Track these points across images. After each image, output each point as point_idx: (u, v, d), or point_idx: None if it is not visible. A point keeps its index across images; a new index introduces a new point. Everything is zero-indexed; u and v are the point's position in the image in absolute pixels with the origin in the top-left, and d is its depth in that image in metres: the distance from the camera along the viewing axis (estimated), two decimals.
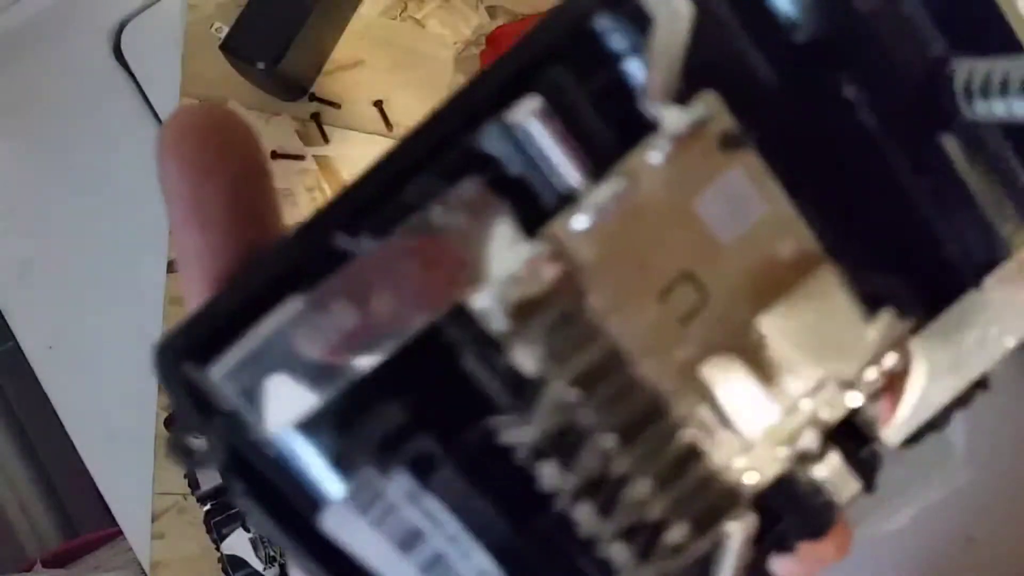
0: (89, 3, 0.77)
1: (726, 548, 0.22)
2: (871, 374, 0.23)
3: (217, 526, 0.72)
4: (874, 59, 0.22)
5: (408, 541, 0.21)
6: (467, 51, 0.76)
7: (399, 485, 0.21)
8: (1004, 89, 0.21)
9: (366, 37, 0.76)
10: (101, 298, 0.76)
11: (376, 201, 0.21)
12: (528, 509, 0.21)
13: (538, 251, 0.20)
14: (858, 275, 0.22)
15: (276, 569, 0.73)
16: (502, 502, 0.21)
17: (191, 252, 0.22)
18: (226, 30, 0.73)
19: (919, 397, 0.24)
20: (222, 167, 0.22)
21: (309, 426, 0.20)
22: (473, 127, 0.21)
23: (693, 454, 0.22)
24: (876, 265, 0.23)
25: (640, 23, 0.21)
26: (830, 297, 0.22)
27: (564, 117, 0.21)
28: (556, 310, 0.21)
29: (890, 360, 0.23)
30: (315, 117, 0.76)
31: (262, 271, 0.21)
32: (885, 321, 0.23)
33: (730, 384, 0.22)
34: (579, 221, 0.21)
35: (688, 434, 0.22)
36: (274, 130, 0.75)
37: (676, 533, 0.22)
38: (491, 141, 0.21)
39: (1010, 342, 0.24)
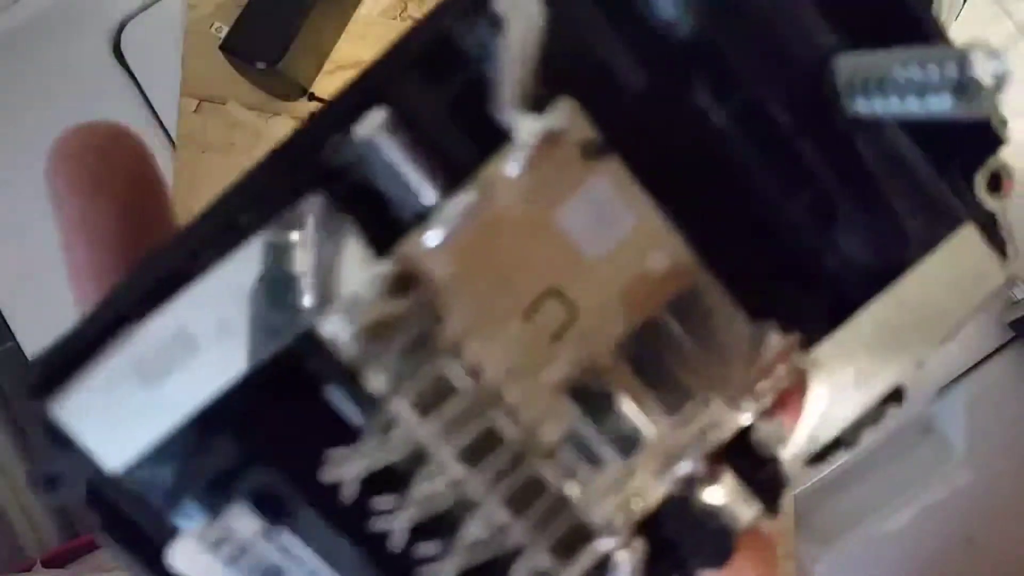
0: (89, 3, 0.77)
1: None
2: (761, 390, 0.21)
3: None
4: (755, 59, 0.21)
5: None
6: None
7: (245, 521, 0.20)
8: (882, 85, 0.20)
9: (366, 37, 0.75)
10: None
11: (221, 226, 0.20)
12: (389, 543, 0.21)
13: (388, 270, 0.19)
14: (741, 289, 0.21)
15: None
16: (361, 536, 0.20)
17: (81, 271, 0.22)
18: (226, 30, 0.72)
19: (821, 414, 0.22)
20: (110, 184, 0.21)
21: (154, 461, 0.20)
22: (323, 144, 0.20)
23: (553, 483, 0.21)
24: (763, 278, 0.22)
25: (496, 28, 0.19)
26: (706, 311, 0.21)
27: (416, 129, 0.20)
28: (410, 332, 0.20)
29: (781, 375, 0.22)
30: None
31: (111, 300, 0.20)
32: (769, 334, 0.21)
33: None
34: (432, 237, 0.19)
35: (552, 462, 0.21)
36: (274, 130, 0.74)
37: (533, 562, 0.21)
38: (340, 157, 0.20)
39: (923, 355, 0.23)
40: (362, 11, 0.76)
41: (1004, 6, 0.77)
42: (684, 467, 0.21)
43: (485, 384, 0.20)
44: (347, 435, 0.20)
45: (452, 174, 0.20)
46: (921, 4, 0.22)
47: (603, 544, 0.21)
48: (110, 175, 0.21)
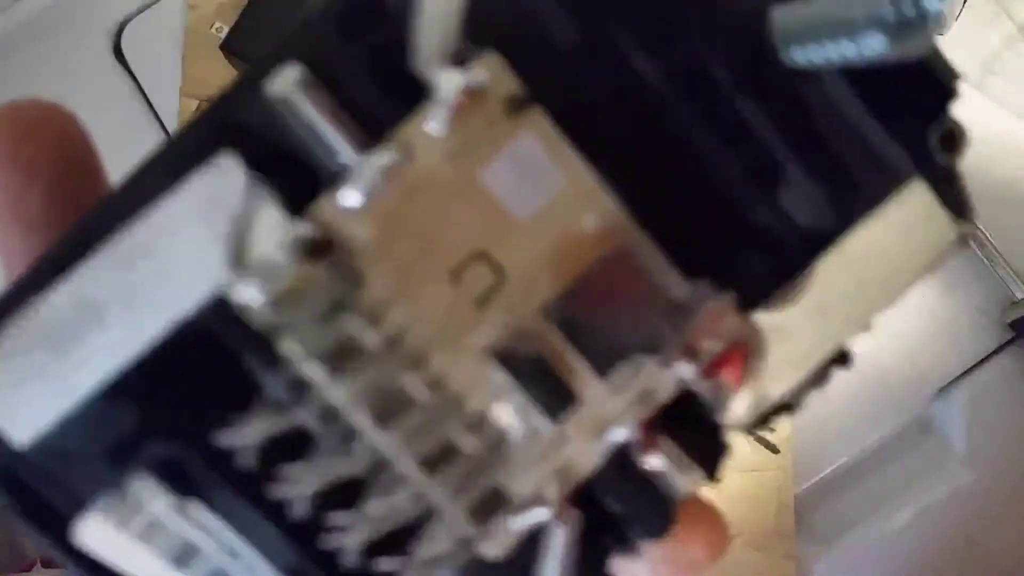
0: (89, 3, 0.76)
1: (548, 548, 0.20)
2: (697, 352, 0.20)
3: None
4: (691, 9, 0.20)
5: (182, 557, 0.19)
6: None
7: (153, 495, 0.19)
8: (815, 31, 0.19)
9: None
10: None
11: (133, 194, 0.19)
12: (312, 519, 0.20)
13: (303, 233, 0.18)
14: (677, 249, 0.20)
15: None
16: (278, 510, 0.20)
17: (15, 255, 0.21)
18: (226, 30, 0.72)
19: (763, 377, 0.21)
20: (44, 166, 0.21)
21: (62, 435, 0.19)
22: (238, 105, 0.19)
23: (475, 450, 0.20)
24: (701, 239, 0.21)
25: None
26: (638, 270, 0.20)
27: (333, 86, 0.19)
28: (326, 298, 0.19)
29: (718, 336, 0.20)
30: None
31: (26, 275, 0.19)
32: (704, 293, 0.20)
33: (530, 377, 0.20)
34: (349, 198, 0.18)
35: (481, 429, 0.20)
36: None
37: (452, 528, 0.20)
38: (254, 117, 0.19)
39: (872, 316, 0.22)
40: None
41: (1004, 6, 0.76)
42: (619, 434, 0.20)
43: (407, 350, 0.19)
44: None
45: (372, 133, 0.19)
46: None
47: (535, 515, 0.20)
48: (44, 157, 0.21)
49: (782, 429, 0.75)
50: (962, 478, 0.76)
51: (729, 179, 0.21)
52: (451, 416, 0.19)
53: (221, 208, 0.19)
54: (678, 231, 0.20)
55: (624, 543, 0.21)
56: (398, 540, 0.20)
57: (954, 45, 0.75)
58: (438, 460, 0.20)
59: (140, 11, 0.77)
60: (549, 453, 0.20)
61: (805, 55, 0.19)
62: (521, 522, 0.20)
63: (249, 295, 0.18)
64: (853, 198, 0.21)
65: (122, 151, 0.75)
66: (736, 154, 0.21)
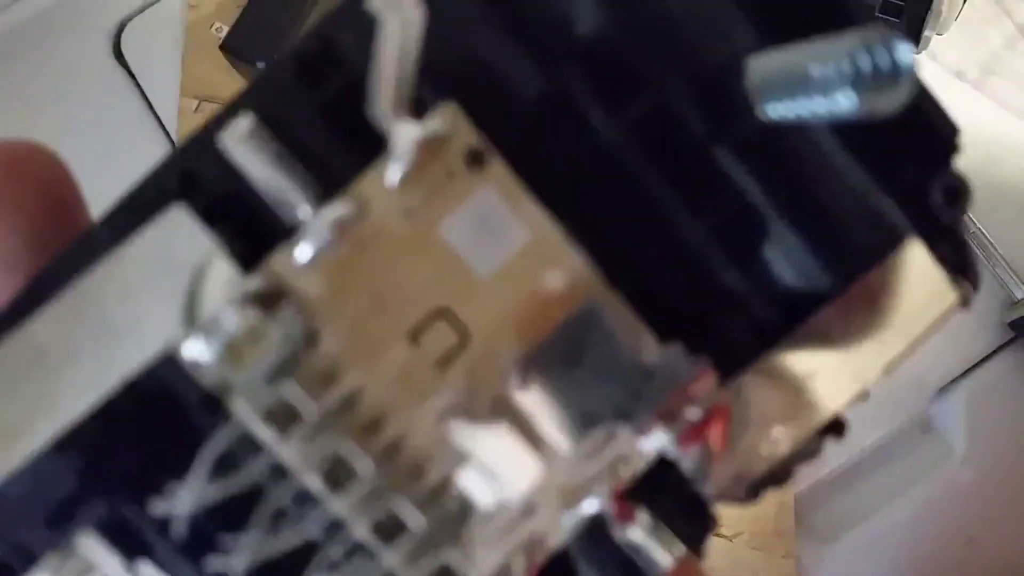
0: (89, 3, 0.75)
1: None
2: (673, 418, 0.19)
3: None
4: (661, 61, 0.19)
5: None
6: None
7: (99, 554, 0.18)
8: (788, 86, 0.17)
9: None
10: None
11: (85, 246, 0.18)
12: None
13: (254, 288, 0.17)
14: (651, 312, 0.19)
15: None
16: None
17: None
18: (226, 30, 0.71)
19: (749, 448, 0.20)
20: (24, 207, 0.20)
21: (11, 489, 0.18)
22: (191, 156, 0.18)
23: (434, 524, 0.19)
24: (676, 300, 0.19)
25: (373, 29, 0.18)
26: (608, 331, 0.19)
27: (288, 137, 0.18)
28: (278, 356, 0.18)
29: (696, 402, 0.19)
30: None
31: None
32: (679, 357, 0.19)
33: (489, 442, 0.19)
34: (302, 252, 0.17)
35: (449, 499, 0.18)
36: None
37: None
38: (209, 166, 0.18)
39: (866, 383, 0.20)
40: None
41: (1004, 6, 0.75)
42: (591, 504, 0.19)
43: (363, 413, 0.18)
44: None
45: (330, 185, 0.18)
46: None
47: None
48: (18, 195, 0.20)
49: None
50: (962, 478, 0.75)
51: (706, 237, 0.19)
52: (408, 483, 0.18)
53: (171, 261, 0.18)
54: (651, 291, 0.19)
55: None
56: None
57: (954, 45, 0.73)
58: (394, 527, 0.18)
59: (140, 11, 0.76)
60: (515, 525, 0.19)
61: (781, 110, 0.18)
62: None
63: (198, 351, 0.17)
64: (843, 259, 0.20)
65: (122, 151, 0.74)
66: (714, 210, 0.19)
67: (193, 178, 0.18)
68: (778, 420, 0.20)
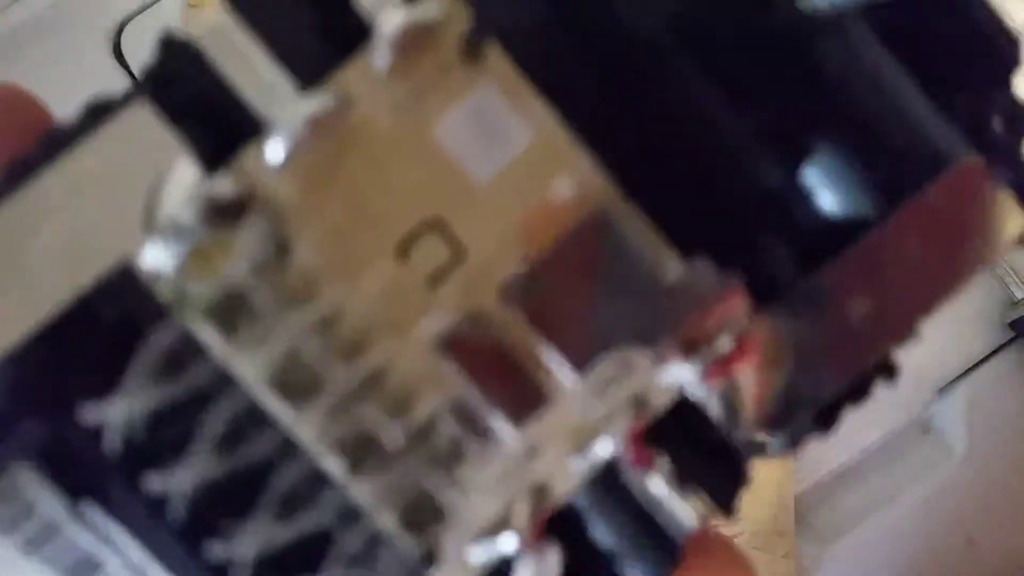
0: (89, 3, 0.73)
1: None
2: (697, 345, 0.17)
3: None
4: None
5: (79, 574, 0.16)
6: None
7: (38, 491, 0.16)
8: None
9: None
10: None
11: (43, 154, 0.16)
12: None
13: (220, 190, 0.15)
14: (672, 225, 0.17)
15: None
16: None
17: None
18: None
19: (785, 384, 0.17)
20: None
21: None
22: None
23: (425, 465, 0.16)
24: (701, 214, 0.17)
25: None
26: (622, 244, 0.16)
27: (265, 27, 0.16)
28: (246, 268, 0.16)
29: (723, 327, 0.17)
30: None
31: None
32: (704, 273, 0.17)
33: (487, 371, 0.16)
34: (274, 150, 0.15)
35: (438, 437, 0.16)
36: None
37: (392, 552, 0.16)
38: (176, 60, 0.16)
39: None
40: None
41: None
42: (603, 447, 0.17)
43: (342, 336, 0.16)
44: None
45: (307, 79, 0.16)
46: None
47: (500, 543, 0.16)
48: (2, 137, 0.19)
49: None
50: (962, 478, 0.73)
51: (736, 144, 0.17)
52: (391, 418, 0.16)
53: (132, 164, 0.16)
54: (672, 202, 0.16)
55: None
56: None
57: None
58: (365, 453, 0.16)
59: (140, 11, 0.73)
60: (515, 468, 0.16)
61: None
62: (483, 551, 0.16)
63: (155, 258, 0.16)
64: (888, 181, 0.17)
65: None
66: (745, 115, 0.17)
67: (161, 72, 0.16)
68: (821, 356, 0.17)
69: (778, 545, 0.73)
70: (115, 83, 0.66)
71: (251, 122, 0.16)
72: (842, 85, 0.17)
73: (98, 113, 0.16)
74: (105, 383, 0.16)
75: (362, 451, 0.16)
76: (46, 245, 0.16)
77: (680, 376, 0.16)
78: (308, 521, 0.16)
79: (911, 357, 0.19)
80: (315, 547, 0.16)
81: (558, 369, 0.16)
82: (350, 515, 0.16)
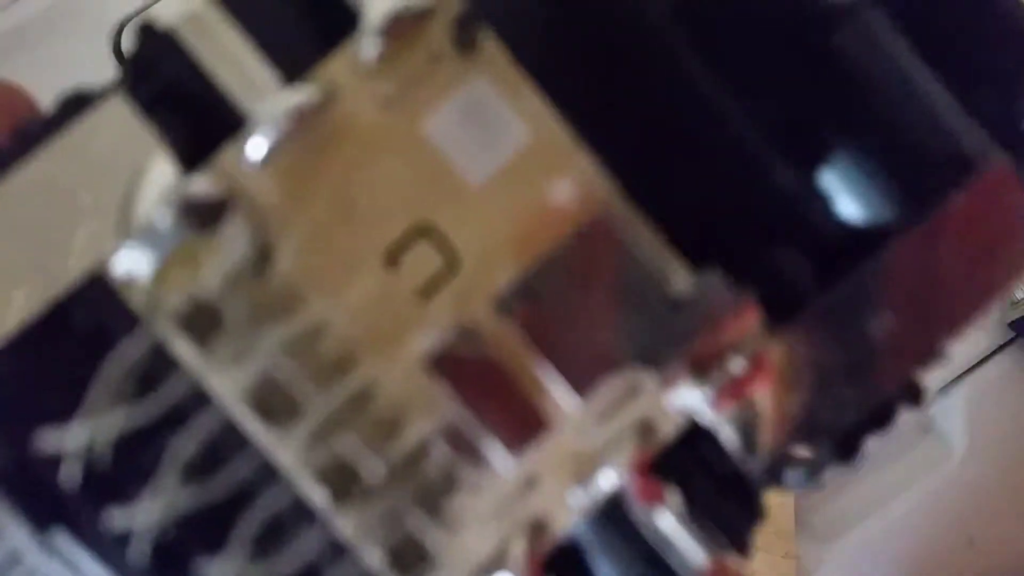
0: (89, 3, 0.72)
1: None
2: (709, 365, 0.15)
3: None
4: None
5: None
6: None
7: (5, 521, 0.14)
8: None
9: None
10: None
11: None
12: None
13: (196, 190, 0.14)
14: (680, 234, 0.15)
15: None
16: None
17: None
18: None
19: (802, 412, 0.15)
20: None
21: None
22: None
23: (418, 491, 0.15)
24: (712, 223, 0.15)
25: None
26: (625, 252, 0.15)
27: (249, 17, 0.15)
28: (224, 275, 0.14)
29: (735, 347, 0.15)
30: None
31: None
32: (715, 286, 0.15)
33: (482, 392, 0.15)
34: (255, 147, 0.14)
35: (428, 464, 0.15)
36: None
37: None
38: (154, 51, 0.15)
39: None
40: None
41: None
42: (607, 479, 0.15)
43: (326, 351, 0.14)
44: None
45: (291, 71, 0.14)
46: None
47: None
48: None
49: None
50: (962, 478, 0.72)
51: (748, 143, 0.15)
52: (378, 443, 0.14)
53: (105, 161, 0.14)
54: (680, 207, 0.15)
55: None
56: None
57: None
58: (349, 483, 0.14)
59: (140, 11, 0.72)
60: (511, 501, 0.14)
61: None
62: None
63: (128, 264, 0.14)
64: (912, 185, 0.15)
65: None
66: (757, 111, 0.15)
67: (138, 63, 0.15)
68: (842, 377, 0.15)
69: (778, 545, 0.72)
70: None
71: (232, 117, 0.14)
72: (861, 78, 0.15)
73: (73, 107, 0.15)
74: (71, 403, 0.14)
75: (346, 480, 0.14)
76: (11, 250, 0.14)
77: (690, 400, 0.14)
78: (288, 558, 0.14)
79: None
80: None
81: (558, 391, 0.14)
82: (334, 552, 0.14)
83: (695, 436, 0.15)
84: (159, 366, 0.14)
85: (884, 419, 0.16)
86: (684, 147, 0.15)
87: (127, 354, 0.14)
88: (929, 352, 0.16)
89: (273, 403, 0.14)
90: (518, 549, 0.14)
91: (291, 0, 0.15)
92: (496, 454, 0.14)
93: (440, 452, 0.14)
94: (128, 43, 0.15)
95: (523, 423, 0.14)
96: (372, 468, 0.14)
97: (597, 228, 0.14)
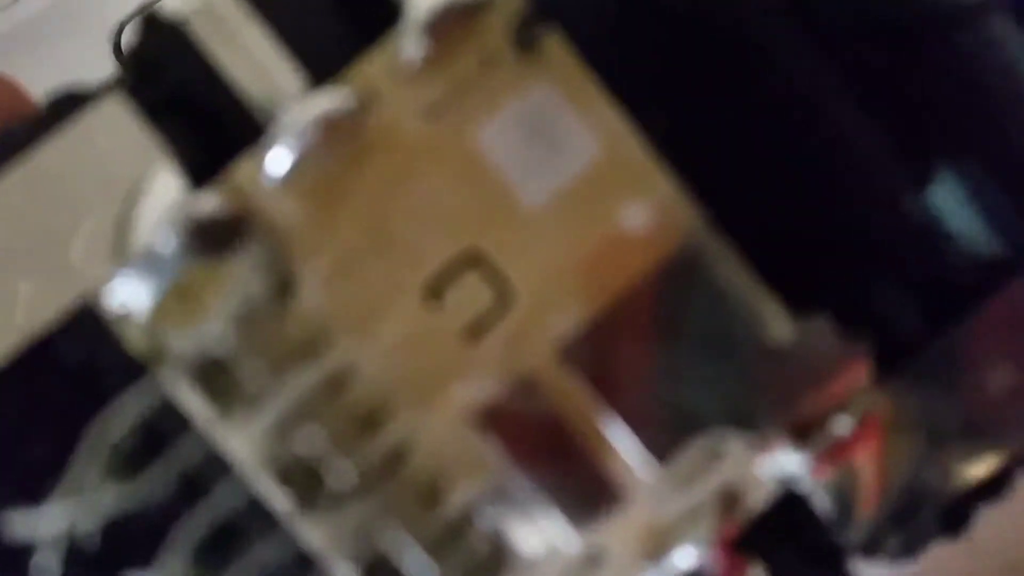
0: (89, 3, 0.72)
1: None
2: (810, 427, 0.13)
3: None
4: None
5: None
6: None
7: None
8: None
9: None
10: None
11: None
12: None
13: (206, 210, 0.12)
14: (777, 271, 0.13)
15: None
16: None
17: None
18: None
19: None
20: None
21: None
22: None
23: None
24: (815, 256, 0.13)
25: None
26: (715, 293, 0.13)
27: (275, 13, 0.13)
28: (237, 312, 0.12)
29: (843, 406, 0.13)
30: None
31: None
32: (823, 335, 0.13)
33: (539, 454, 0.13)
34: (276, 161, 0.12)
35: (475, 537, 0.12)
36: None
37: None
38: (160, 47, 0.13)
39: None
40: None
41: None
42: (684, 556, 0.13)
43: (356, 402, 0.12)
44: None
45: (320, 72, 0.12)
46: None
47: None
48: None
49: None
50: None
51: (855, 164, 0.13)
52: (416, 513, 0.12)
53: (100, 172, 0.13)
54: (775, 238, 0.12)
55: None
56: None
57: None
58: (385, 564, 0.12)
59: (140, 11, 0.71)
60: None
61: None
62: None
63: (128, 293, 0.12)
64: None
65: None
66: (876, 134, 0.13)
67: (141, 60, 0.13)
68: (952, 440, 0.13)
69: None
70: None
71: (249, 124, 0.13)
72: (981, 88, 0.13)
73: (64, 109, 0.13)
74: (52, 473, 0.12)
75: (382, 565, 0.12)
76: None
77: (786, 466, 0.12)
78: None
79: None
80: None
81: (631, 455, 0.12)
82: None
83: (783, 502, 0.13)
84: (160, 425, 0.12)
85: (999, 485, 0.14)
86: (782, 167, 0.13)
87: (121, 411, 0.12)
88: None
89: (295, 468, 0.12)
90: None
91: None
92: (555, 527, 0.12)
93: (488, 522, 0.12)
94: (130, 39, 0.14)
95: (589, 491, 0.12)
96: (408, 548, 0.12)
97: (678, 261, 0.12)
